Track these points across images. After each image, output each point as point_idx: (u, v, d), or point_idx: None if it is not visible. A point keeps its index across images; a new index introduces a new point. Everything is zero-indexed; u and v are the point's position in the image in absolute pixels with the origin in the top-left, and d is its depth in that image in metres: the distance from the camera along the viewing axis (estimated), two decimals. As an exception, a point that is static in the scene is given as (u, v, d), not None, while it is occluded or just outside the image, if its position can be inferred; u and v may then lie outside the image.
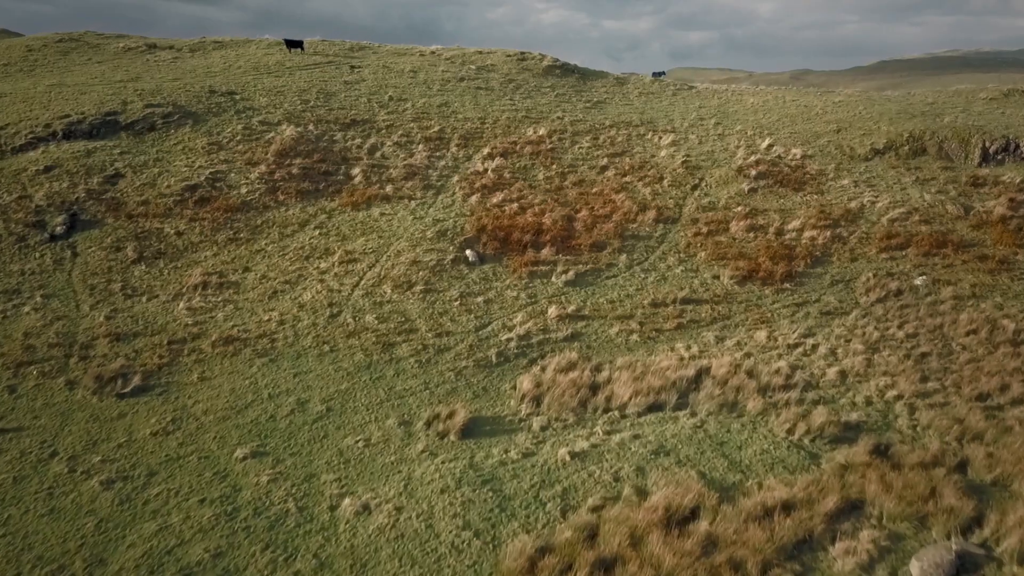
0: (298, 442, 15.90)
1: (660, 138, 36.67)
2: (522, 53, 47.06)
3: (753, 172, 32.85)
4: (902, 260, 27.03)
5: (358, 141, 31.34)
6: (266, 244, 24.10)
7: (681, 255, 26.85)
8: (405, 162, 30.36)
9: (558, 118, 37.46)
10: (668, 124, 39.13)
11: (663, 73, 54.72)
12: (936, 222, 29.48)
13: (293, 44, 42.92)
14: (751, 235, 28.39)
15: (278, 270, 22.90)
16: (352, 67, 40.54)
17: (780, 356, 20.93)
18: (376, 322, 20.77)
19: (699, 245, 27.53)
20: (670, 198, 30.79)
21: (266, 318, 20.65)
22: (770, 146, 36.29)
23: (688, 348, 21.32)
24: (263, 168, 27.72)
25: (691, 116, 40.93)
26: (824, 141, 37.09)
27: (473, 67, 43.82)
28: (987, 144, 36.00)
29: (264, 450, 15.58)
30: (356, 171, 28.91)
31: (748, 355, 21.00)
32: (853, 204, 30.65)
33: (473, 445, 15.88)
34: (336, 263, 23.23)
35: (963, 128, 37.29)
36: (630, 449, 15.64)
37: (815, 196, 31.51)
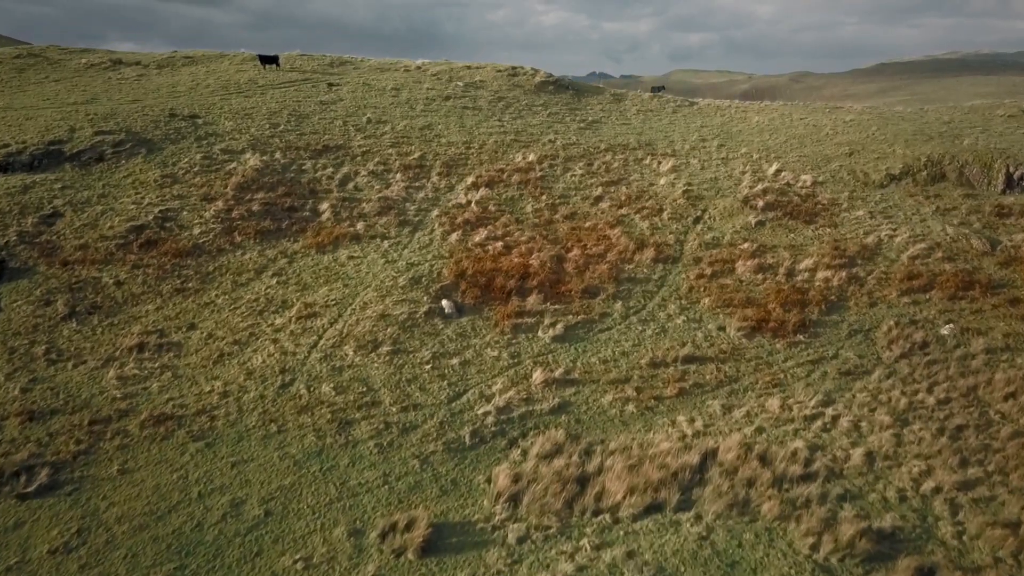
0: (225, 562, 13.24)
1: (659, 163, 34.03)
2: (513, 68, 44.45)
3: (760, 203, 30.23)
4: (926, 305, 24.40)
5: (329, 171, 28.69)
6: (216, 295, 21.44)
7: (683, 302, 24.19)
8: (380, 194, 27.71)
9: (549, 141, 34.82)
10: (668, 147, 36.51)
11: (662, 88, 52.16)
12: (960, 259, 26.86)
13: (268, 60, 40.29)
14: (759, 277, 25.75)
15: (227, 327, 20.24)
16: (330, 85, 37.92)
17: (796, 432, 18.28)
18: (333, 393, 18.12)
19: (702, 289, 24.88)
20: (670, 233, 28.16)
21: (207, 389, 17.99)
22: (778, 172, 33.68)
23: (691, 422, 18.64)
24: (220, 204, 25.06)
25: (692, 137, 38.32)
26: (836, 166, 34.48)
27: (460, 84, 41.18)
28: (1011, 169, 33.41)
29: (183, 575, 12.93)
30: (324, 206, 26.27)
31: (760, 430, 18.35)
32: (870, 239, 28.02)
33: (435, 567, 13.22)
34: (293, 319, 20.58)
35: (984, 151, 34.69)
36: (623, 574, 12.99)
37: (828, 229, 28.88)
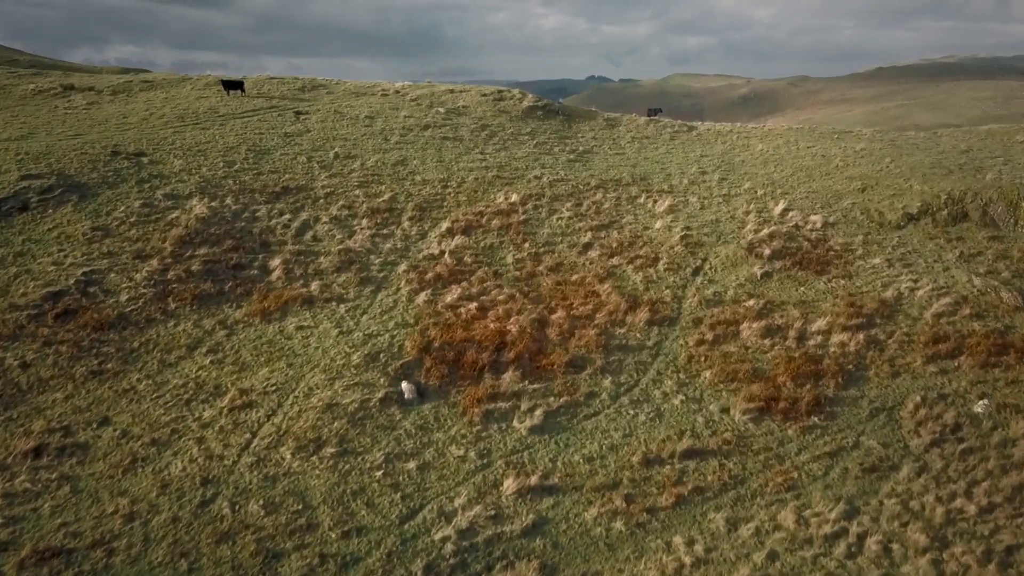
0: None
1: (655, 202, 31.04)
2: (499, 92, 41.50)
3: (766, 250, 27.23)
4: (955, 375, 21.41)
5: (286, 217, 25.69)
6: (139, 379, 18.43)
7: (681, 375, 21.17)
8: (341, 245, 24.70)
9: (535, 177, 31.82)
10: (664, 181, 33.54)
11: (659, 111, 49.30)
12: (990, 316, 23.88)
13: (232, 86, 37.31)
14: (767, 342, 22.74)
15: (146, 422, 17.24)
16: (298, 113, 34.96)
17: (816, 560, 15.26)
18: (262, 513, 15.11)
19: (703, 359, 21.87)
20: (667, 287, 25.16)
21: (111, 509, 14.98)
22: (785, 211, 30.70)
23: (690, 544, 15.60)
24: (155, 263, 22.06)
25: (691, 169, 35.34)
26: (847, 204, 31.52)
27: (442, 110, 38.22)
28: (1041, 209, 30.54)
29: None
30: (276, 262, 23.26)
31: (772, 556, 15.36)
32: (888, 293, 25.03)
33: None
34: (225, 410, 17.57)
35: (1010, 188, 31.71)
36: None
37: (842, 281, 25.89)
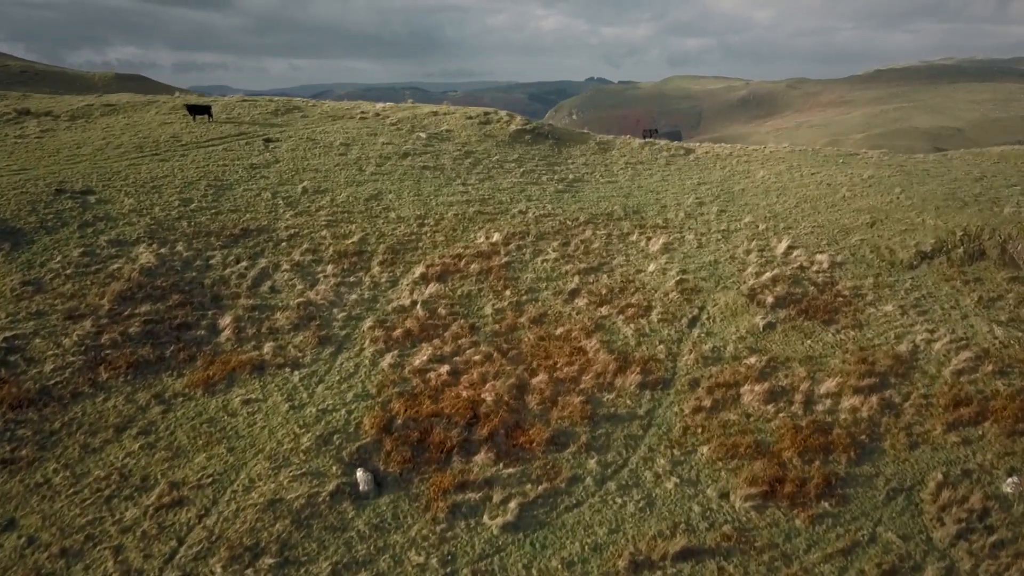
0: None
1: (648, 240, 28.77)
2: (485, 114, 39.23)
3: (769, 297, 24.96)
4: (979, 445, 19.13)
5: (243, 265, 23.40)
6: (55, 470, 16.12)
7: (675, 452, 18.86)
8: (301, 298, 22.42)
9: (520, 212, 29.55)
10: (659, 215, 31.28)
11: (655, 132, 47.06)
12: (1015, 372, 21.61)
13: (198, 111, 35.00)
14: (771, 408, 20.43)
15: (58, 526, 14.94)
16: (267, 141, 32.68)
17: None
18: (181, 650, 12.89)
19: (700, 431, 19.57)
20: (660, 342, 22.87)
21: (0, 647, 12.78)
22: (789, 249, 28.45)
23: None
24: (89, 325, 19.76)
25: (688, 200, 33.10)
26: (856, 240, 29.28)
27: (423, 135, 35.95)
28: (1065, 247, 28.33)
29: None
30: (227, 320, 20.96)
31: None
32: (903, 346, 22.75)
33: None
34: (151, 509, 15.26)
35: (1031, 223, 29.61)
36: None
37: (852, 332, 23.62)
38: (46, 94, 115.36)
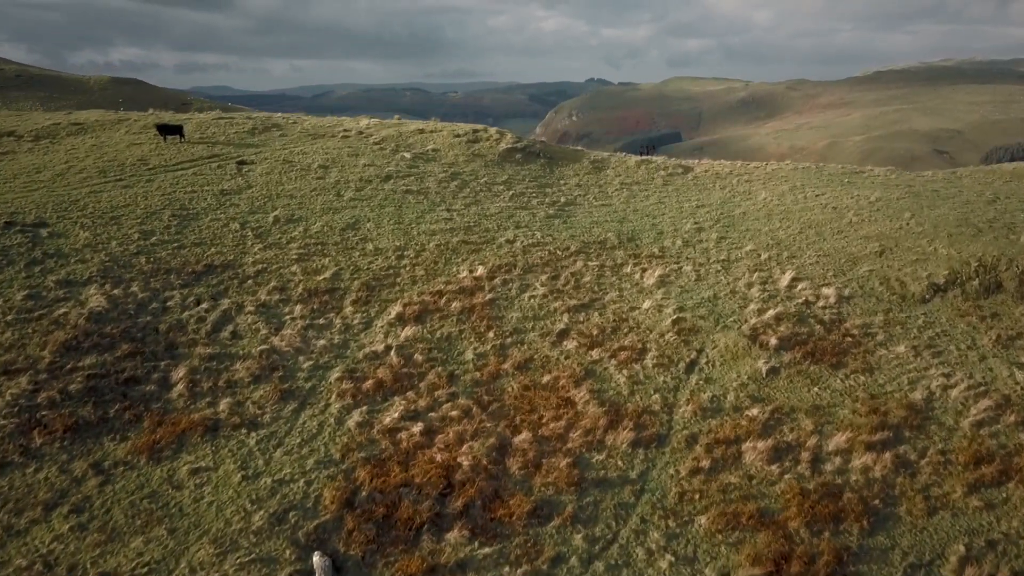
0: None
1: (643, 272, 26.97)
2: (474, 131, 37.43)
3: (772, 338, 23.14)
4: (1004, 509, 17.29)
5: (203, 308, 21.59)
6: (-30, 559, 14.39)
7: (670, 523, 17.00)
8: (264, 345, 20.60)
9: (507, 242, 27.75)
10: (655, 242, 29.49)
11: (652, 148, 45.25)
12: (1041, 423, 19.86)
13: (169, 131, 33.18)
14: (775, 469, 18.58)
15: (-33, 629, 13.22)
16: (240, 164, 30.88)
17: None
18: None
19: (698, 497, 17.72)
20: (655, 391, 21.05)
21: None
22: (793, 282, 26.65)
23: None
24: (25, 382, 17.92)
25: (686, 226, 31.31)
26: (864, 271, 27.50)
27: (408, 156, 34.14)
28: (1088, 279, 26.56)
29: None
30: (180, 373, 19.16)
31: None
32: (917, 393, 20.92)
33: None
34: (75, 609, 13.51)
35: (1051, 253, 27.88)
36: None
37: (862, 378, 21.78)
38: (38, 99, 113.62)
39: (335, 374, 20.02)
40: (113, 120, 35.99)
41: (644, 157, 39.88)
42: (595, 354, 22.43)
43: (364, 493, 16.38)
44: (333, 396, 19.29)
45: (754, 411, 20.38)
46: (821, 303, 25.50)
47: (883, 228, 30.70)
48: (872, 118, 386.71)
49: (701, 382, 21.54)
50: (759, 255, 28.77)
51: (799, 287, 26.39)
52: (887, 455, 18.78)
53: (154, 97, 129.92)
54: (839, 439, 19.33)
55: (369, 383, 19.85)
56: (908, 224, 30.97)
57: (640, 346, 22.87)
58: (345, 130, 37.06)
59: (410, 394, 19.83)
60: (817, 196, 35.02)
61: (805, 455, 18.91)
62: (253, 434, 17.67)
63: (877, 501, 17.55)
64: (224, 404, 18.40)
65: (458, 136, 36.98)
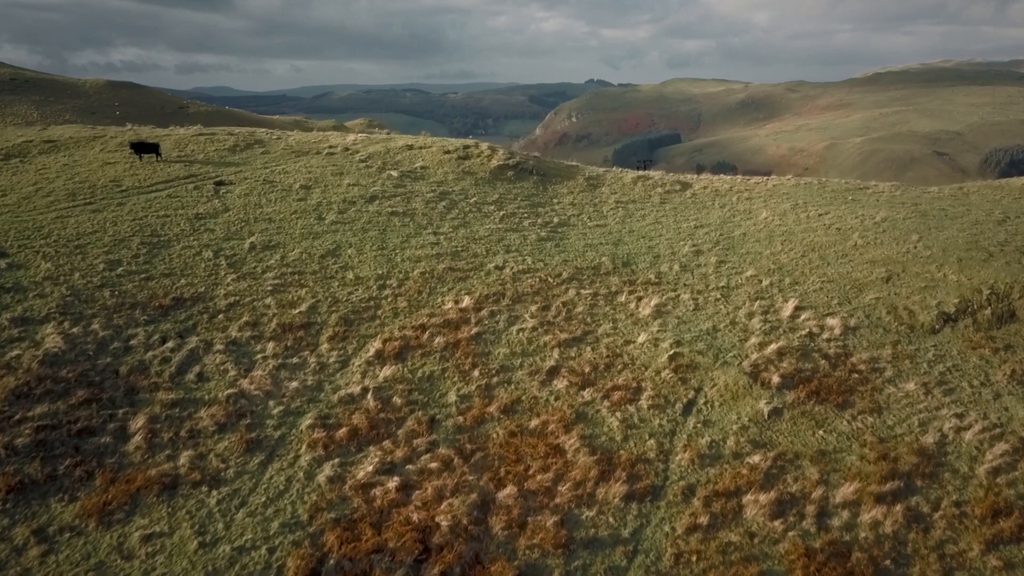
0: None
1: (639, 300, 25.64)
2: (465, 147, 36.09)
3: (775, 376, 21.81)
4: (1026, 569, 16.09)
5: (168, 347, 20.27)
6: None
7: (667, 591, 15.77)
8: (232, 388, 19.25)
9: (496, 268, 26.42)
10: (652, 267, 28.17)
11: (649, 163, 43.93)
12: (1062, 468, 18.55)
13: (144, 149, 31.78)
14: (778, 525, 17.24)
15: None
16: (218, 184, 29.52)
17: None
18: None
19: (695, 559, 16.37)
20: (651, 435, 19.71)
21: None
22: (796, 311, 25.34)
23: None
24: (-33, 435, 16.70)
25: (684, 248, 29.98)
26: (870, 299, 26.20)
27: (395, 174, 32.79)
28: (1107, 310, 25.28)
29: None
30: (139, 422, 17.81)
31: None
32: (929, 437, 19.60)
33: None
34: None
35: (1067, 280, 26.59)
36: None
37: (870, 418, 20.47)
38: (33, 102, 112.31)
39: (307, 421, 18.67)
40: (88, 137, 34.56)
41: (641, 173, 38.55)
42: (587, 394, 21.10)
43: (332, 561, 15.04)
44: (304, 446, 17.95)
45: (756, 458, 19.07)
46: (826, 335, 24.20)
47: (889, 252, 29.39)
48: (871, 120, 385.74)
49: (699, 425, 20.22)
50: (760, 281, 27.46)
51: (802, 317, 25.09)
52: (898, 508, 17.48)
53: (151, 101, 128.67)
54: (846, 490, 18.03)
55: (343, 431, 18.51)
56: (916, 247, 29.65)
57: (635, 385, 21.54)
58: (331, 146, 35.69)
59: (387, 443, 18.49)
60: (820, 215, 33.69)
61: (810, 508, 17.60)
62: (214, 492, 16.33)
63: (888, 561, 16.26)
64: (185, 457, 17.06)
65: (448, 152, 35.62)
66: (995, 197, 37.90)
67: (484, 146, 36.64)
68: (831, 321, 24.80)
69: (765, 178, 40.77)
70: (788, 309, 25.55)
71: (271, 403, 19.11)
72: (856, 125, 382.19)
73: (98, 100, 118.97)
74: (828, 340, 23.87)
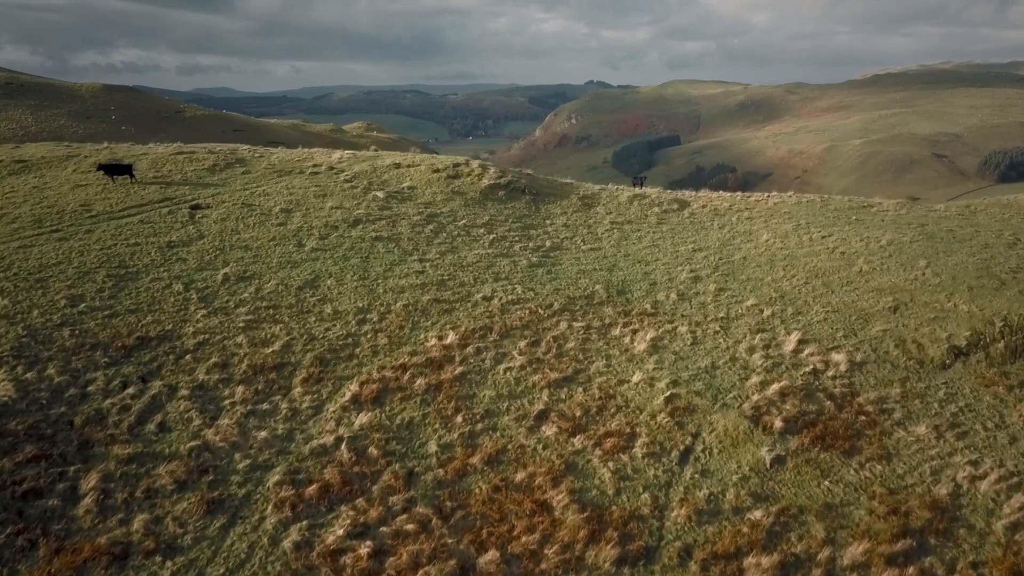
0: None
1: (634, 335, 24.31)
2: (455, 165, 34.71)
3: (777, 420, 20.48)
4: (1054, 644, 14.81)
5: (129, 392, 18.93)
6: None
7: (661, 677, 14.45)
8: (195, 440, 17.92)
9: (483, 299, 25.09)
10: (648, 295, 26.85)
11: (644, 179, 42.61)
12: (1085, 524, 17.24)
13: (117, 171, 30.33)
14: (784, 593, 16.05)
15: None
16: (194, 208, 28.15)
17: None
18: None
19: (694, 638, 15.16)
20: (645, 488, 18.36)
21: None
22: (800, 345, 24.03)
23: None
24: (-99, 502, 15.35)
25: (681, 274, 28.66)
26: (877, 331, 24.89)
27: (381, 195, 31.43)
28: None
29: None
30: (92, 480, 16.47)
31: None
32: (942, 488, 18.26)
33: None
34: None
35: (1083, 311, 25.31)
36: None
37: (878, 467, 19.13)
38: (28, 107, 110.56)
39: (275, 477, 17.33)
40: (61, 156, 33.16)
41: (637, 191, 37.19)
42: (577, 442, 19.74)
43: (294, 648, 13.75)
44: (270, 507, 16.60)
45: (757, 514, 17.73)
46: (831, 372, 22.89)
47: (896, 279, 28.08)
48: (871, 121, 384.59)
49: (697, 476, 18.87)
50: (761, 311, 26.15)
51: (806, 352, 23.77)
52: (911, 570, 16.18)
53: (147, 105, 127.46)
54: (855, 550, 16.71)
55: (313, 488, 17.17)
56: (924, 274, 28.34)
57: (629, 430, 20.20)
58: (315, 165, 34.30)
59: (360, 501, 17.14)
60: (823, 237, 32.38)
61: (817, 572, 16.30)
62: (169, 563, 14.98)
63: (902, 634, 14.98)
64: (139, 522, 15.71)
65: (437, 171, 34.25)
66: (1004, 216, 36.62)
67: (475, 164, 35.28)
68: (836, 356, 23.50)
69: (766, 195, 39.47)
70: (791, 343, 24.24)
71: (237, 456, 17.76)
72: (855, 127, 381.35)
73: (94, 104, 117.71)
74: (833, 378, 22.56)
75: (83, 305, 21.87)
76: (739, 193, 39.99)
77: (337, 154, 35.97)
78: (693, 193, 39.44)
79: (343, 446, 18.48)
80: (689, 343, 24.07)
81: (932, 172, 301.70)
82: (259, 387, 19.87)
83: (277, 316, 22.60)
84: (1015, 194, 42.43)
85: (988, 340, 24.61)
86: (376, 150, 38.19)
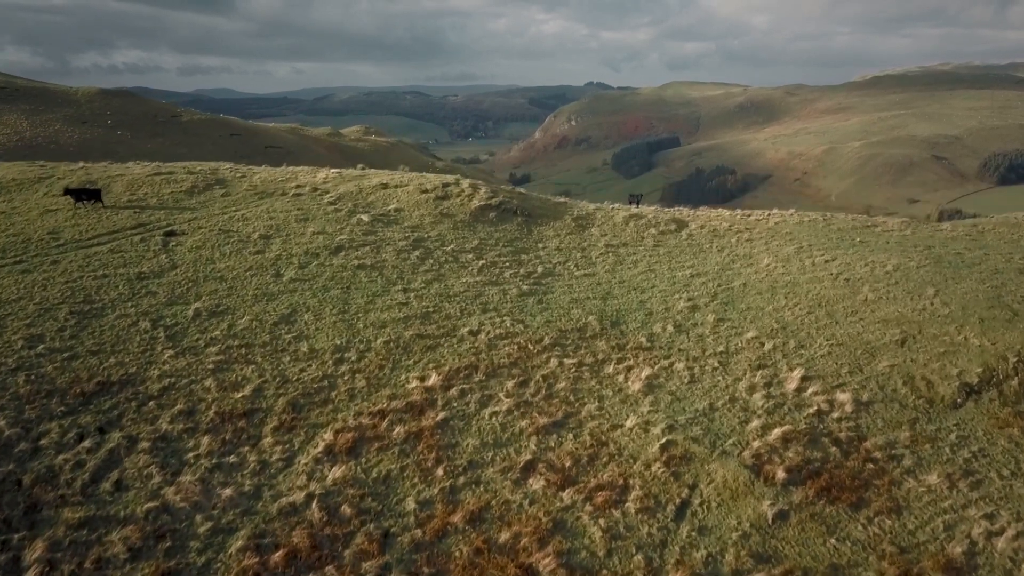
0: None
1: (628, 372, 23.02)
2: (444, 185, 33.42)
3: (779, 469, 19.20)
4: None
5: (85, 446, 17.67)
6: None
7: None
8: (154, 501, 16.62)
9: (470, 334, 23.82)
10: (643, 327, 25.57)
11: (640, 198, 41.35)
12: (1109, 587, 16.04)
13: (83, 195, 28.85)
14: (789, 675, 14.79)
15: None
16: (168, 235, 26.85)
17: None
18: None
19: None
20: (638, 549, 17.08)
21: None
22: (803, 383, 22.77)
23: None
24: None
25: (679, 303, 27.38)
26: (884, 366, 23.63)
27: (366, 218, 30.14)
28: None
29: None
30: (36, 551, 14.97)
31: None
32: (956, 547, 17.01)
33: None
34: None
35: (1101, 344, 24.10)
36: None
37: (888, 521, 17.87)
38: (22, 112, 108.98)
39: (238, 542, 16.03)
40: (33, 178, 31.86)
41: (633, 211, 35.90)
42: (566, 496, 18.45)
43: None
44: (231, 578, 15.36)
45: (760, 579, 16.51)
46: (836, 413, 21.63)
47: (903, 309, 26.81)
48: (871, 123, 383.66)
49: (694, 534, 17.58)
50: (762, 344, 24.89)
51: (810, 391, 22.51)
52: (926, 645, 14.98)
53: (144, 109, 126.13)
54: (866, 621, 15.52)
55: (279, 554, 15.89)
56: (932, 303, 27.08)
57: (621, 482, 18.92)
58: (298, 186, 33.01)
59: (330, 569, 15.83)
60: (827, 262, 31.10)
61: (825, 649, 15.07)
62: (115, 650, 13.75)
63: None
64: (85, 601, 14.48)
65: (425, 192, 32.98)
66: (1012, 237, 35.36)
67: (465, 184, 33.99)
68: (841, 396, 22.24)
69: (766, 213, 38.20)
70: (794, 380, 22.99)
71: (199, 518, 16.47)
72: (855, 129, 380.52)
73: (90, 109, 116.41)
74: (839, 420, 21.31)
75: (42, 347, 20.57)
76: (739, 211, 38.73)
77: (322, 173, 34.67)
78: (691, 211, 38.17)
79: (314, 504, 17.19)
80: (686, 381, 22.80)
81: (932, 174, 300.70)
82: (226, 437, 18.58)
83: (249, 356, 21.30)
84: (1022, 212, 41.16)
85: (1001, 377, 23.39)
86: (364, 168, 36.89)
